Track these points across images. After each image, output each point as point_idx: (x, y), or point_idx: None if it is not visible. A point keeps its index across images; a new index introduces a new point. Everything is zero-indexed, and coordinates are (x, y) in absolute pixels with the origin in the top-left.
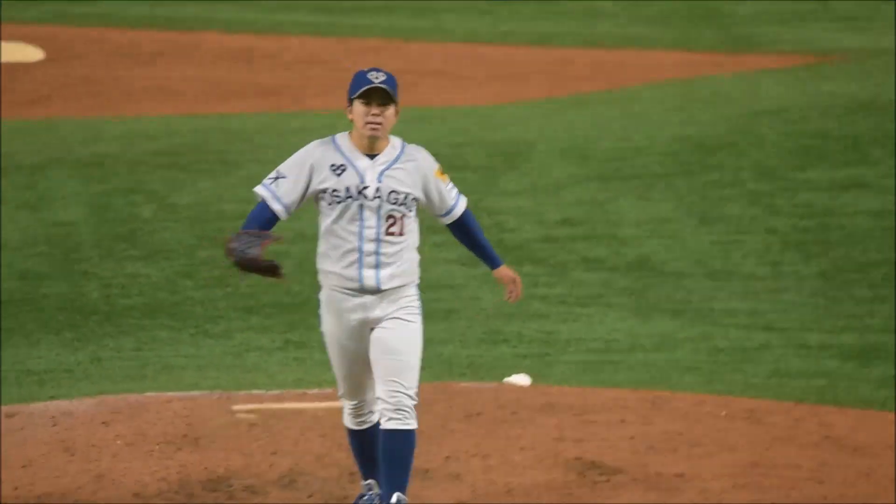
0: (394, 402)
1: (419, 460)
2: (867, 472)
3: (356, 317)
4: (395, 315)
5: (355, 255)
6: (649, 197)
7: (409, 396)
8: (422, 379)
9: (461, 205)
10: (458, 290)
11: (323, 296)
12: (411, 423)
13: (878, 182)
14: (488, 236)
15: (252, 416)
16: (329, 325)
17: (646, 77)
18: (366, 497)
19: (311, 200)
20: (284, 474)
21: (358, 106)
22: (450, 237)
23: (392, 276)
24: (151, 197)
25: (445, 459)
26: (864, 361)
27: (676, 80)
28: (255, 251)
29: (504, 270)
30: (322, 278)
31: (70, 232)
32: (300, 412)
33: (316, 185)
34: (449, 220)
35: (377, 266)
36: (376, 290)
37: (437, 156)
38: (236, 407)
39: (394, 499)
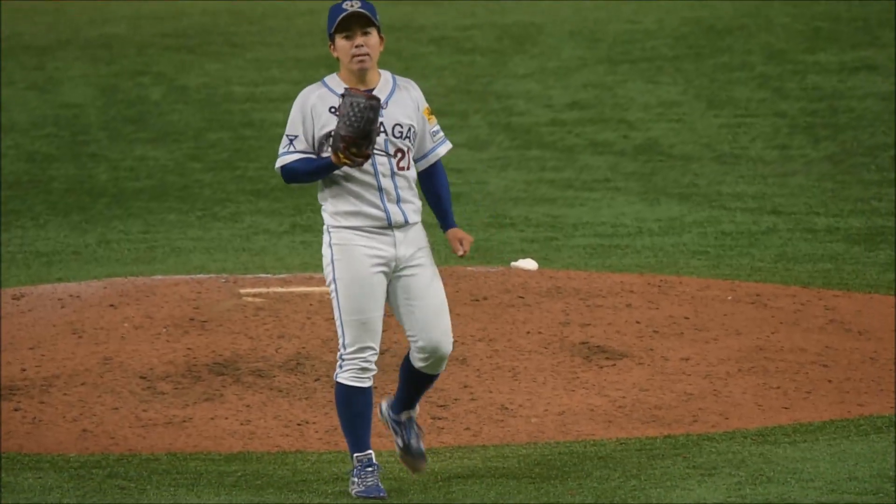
0: (434, 350)
1: None
2: (872, 355)
3: (383, 253)
4: (419, 260)
5: (376, 193)
6: (658, 80)
7: (449, 343)
8: None
9: (440, 150)
10: (466, 174)
11: (338, 240)
12: (441, 369)
13: (888, 65)
14: (496, 120)
15: (259, 299)
16: (347, 269)
17: None
18: (371, 482)
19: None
20: (291, 357)
21: (340, 41)
22: (458, 119)
23: (415, 211)
24: (160, 79)
25: (452, 344)
26: (870, 245)
27: None
28: (362, 102)
29: (457, 231)
30: (336, 220)
31: (78, 114)
32: (307, 296)
33: (319, 131)
34: (423, 164)
35: (399, 201)
36: (403, 224)
37: (444, 39)
38: (243, 291)
39: (404, 416)
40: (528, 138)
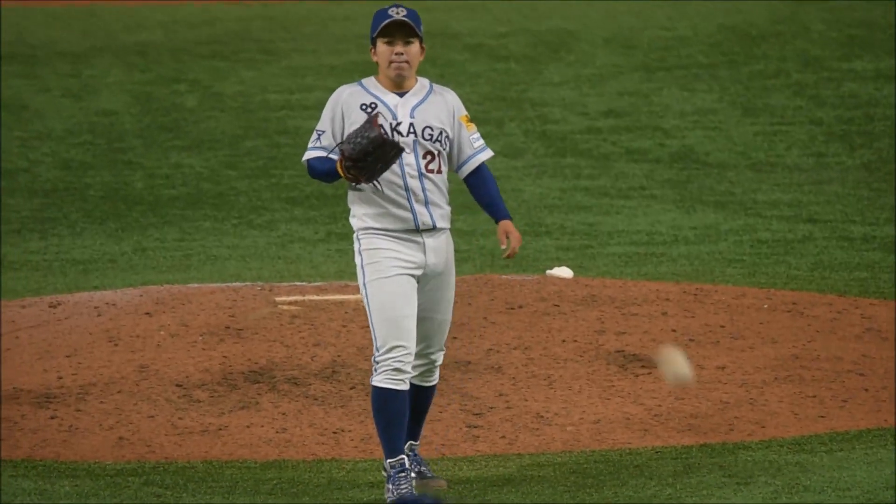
0: (426, 355)
1: (461, 351)
2: None
3: (413, 259)
4: (444, 277)
5: (403, 193)
6: (693, 88)
7: (440, 352)
8: (465, 272)
9: (480, 157)
10: (501, 182)
11: (367, 245)
12: (435, 380)
13: None
14: (532, 127)
15: (294, 307)
16: (378, 271)
17: None
18: (405, 488)
19: None
20: (326, 366)
21: (381, 46)
22: (493, 127)
23: (442, 217)
24: (195, 86)
25: (487, 352)
26: None
27: None
28: (371, 134)
29: (509, 224)
30: (364, 222)
31: (114, 121)
32: (342, 304)
33: (350, 128)
34: (465, 170)
35: (427, 203)
36: (432, 228)
37: (480, 46)
38: (279, 299)
39: (406, 448)
40: (563, 146)
